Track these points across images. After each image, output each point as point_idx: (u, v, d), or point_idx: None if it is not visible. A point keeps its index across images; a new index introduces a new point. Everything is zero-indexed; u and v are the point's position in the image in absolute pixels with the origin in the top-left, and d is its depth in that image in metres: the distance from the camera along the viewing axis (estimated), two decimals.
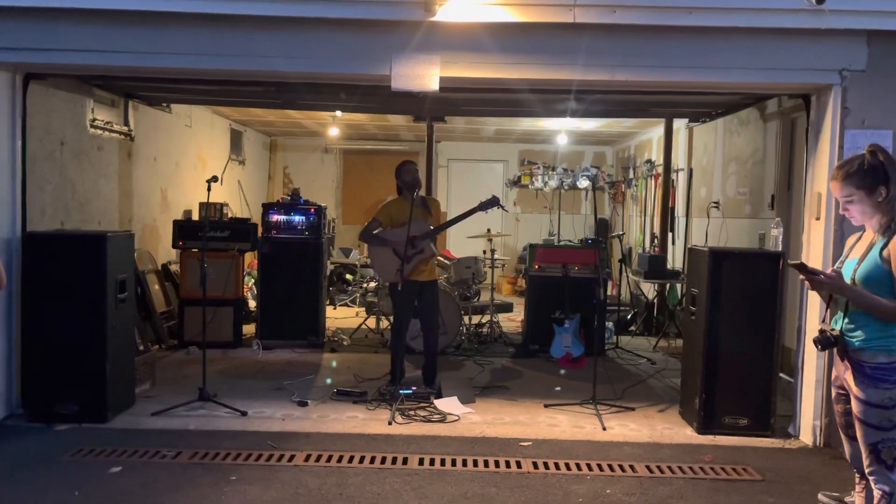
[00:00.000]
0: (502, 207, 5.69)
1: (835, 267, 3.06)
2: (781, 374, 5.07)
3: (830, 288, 2.92)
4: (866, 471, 2.92)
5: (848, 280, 2.90)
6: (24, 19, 4.61)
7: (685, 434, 4.91)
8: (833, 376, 3.13)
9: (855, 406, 2.89)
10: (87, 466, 4.09)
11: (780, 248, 5.11)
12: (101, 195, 6.75)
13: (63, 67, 5.05)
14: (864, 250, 2.93)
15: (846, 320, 2.94)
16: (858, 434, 2.91)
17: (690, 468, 4.28)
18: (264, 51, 4.72)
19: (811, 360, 4.80)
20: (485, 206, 5.57)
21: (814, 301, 4.73)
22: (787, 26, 4.53)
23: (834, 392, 3.13)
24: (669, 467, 4.28)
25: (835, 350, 3.00)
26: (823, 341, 2.97)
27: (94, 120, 6.55)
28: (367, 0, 4.55)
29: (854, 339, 2.89)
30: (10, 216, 4.89)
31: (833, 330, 2.97)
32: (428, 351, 5.78)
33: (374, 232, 5.68)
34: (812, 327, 4.76)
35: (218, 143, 10.22)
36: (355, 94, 6.25)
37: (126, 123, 7.24)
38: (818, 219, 4.75)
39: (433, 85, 4.72)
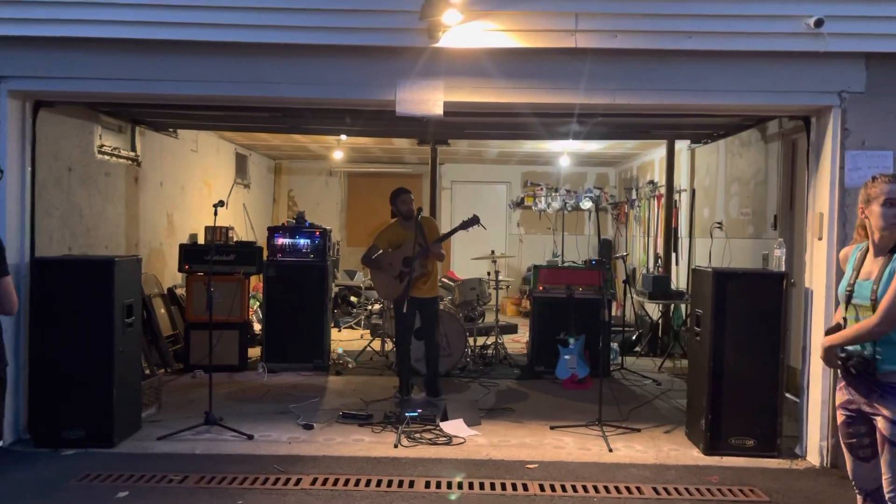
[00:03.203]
0: (482, 225, 5.99)
1: (839, 290, 3.05)
2: (787, 395, 5.06)
3: (831, 350, 2.95)
4: (889, 495, 2.82)
5: (868, 301, 2.86)
6: (34, 48, 4.70)
7: (691, 455, 4.90)
8: (842, 400, 3.04)
9: (887, 429, 2.81)
10: (93, 492, 4.09)
11: (783, 268, 5.13)
12: (108, 220, 6.81)
13: (72, 95, 5.11)
14: (878, 271, 2.87)
15: (871, 345, 2.88)
16: (886, 458, 2.82)
17: (697, 490, 4.27)
18: (270, 77, 4.81)
19: (817, 380, 4.80)
20: (466, 224, 5.91)
21: (818, 321, 4.74)
22: (786, 50, 4.60)
23: (841, 416, 3.04)
24: (676, 489, 4.27)
25: (841, 373, 2.96)
26: (857, 365, 2.88)
27: (101, 146, 6.62)
28: (371, 27, 4.64)
29: (883, 363, 2.83)
30: (18, 242, 4.93)
31: (861, 352, 2.89)
32: (428, 360, 6.00)
33: (373, 257, 6.09)
34: (816, 347, 4.76)
35: (223, 167, 10.31)
36: (360, 119, 6.33)
37: (133, 149, 7.33)
38: (820, 238, 4.78)
39: (437, 110, 4.78)
